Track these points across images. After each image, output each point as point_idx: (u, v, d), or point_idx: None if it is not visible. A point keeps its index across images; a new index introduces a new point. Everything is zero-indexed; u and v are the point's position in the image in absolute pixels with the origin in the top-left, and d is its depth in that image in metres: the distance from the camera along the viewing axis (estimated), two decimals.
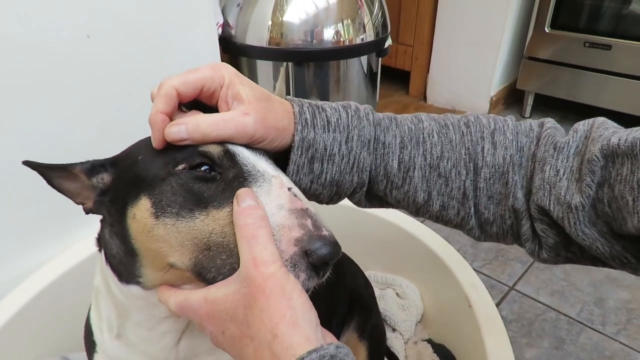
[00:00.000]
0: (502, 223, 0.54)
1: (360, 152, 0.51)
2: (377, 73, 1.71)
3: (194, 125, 0.45)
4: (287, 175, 0.49)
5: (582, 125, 0.51)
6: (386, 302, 1.13)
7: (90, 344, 0.63)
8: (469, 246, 1.54)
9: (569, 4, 2.04)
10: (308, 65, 1.50)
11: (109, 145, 1.02)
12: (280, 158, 0.51)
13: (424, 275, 1.15)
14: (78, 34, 0.90)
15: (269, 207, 0.42)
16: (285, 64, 1.48)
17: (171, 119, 0.46)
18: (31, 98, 0.87)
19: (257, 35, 1.45)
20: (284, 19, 1.43)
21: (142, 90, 1.05)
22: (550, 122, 0.53)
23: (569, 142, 0.49)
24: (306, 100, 0.53)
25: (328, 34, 1.45)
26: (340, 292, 0.93)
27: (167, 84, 0.45)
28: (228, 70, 0.48)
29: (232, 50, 1.51)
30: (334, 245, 0.41)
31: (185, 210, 0.43)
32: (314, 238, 0.40)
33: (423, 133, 0.53)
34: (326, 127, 0.50)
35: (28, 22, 0.83)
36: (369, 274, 1.15)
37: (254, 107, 0.46)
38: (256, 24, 1.44)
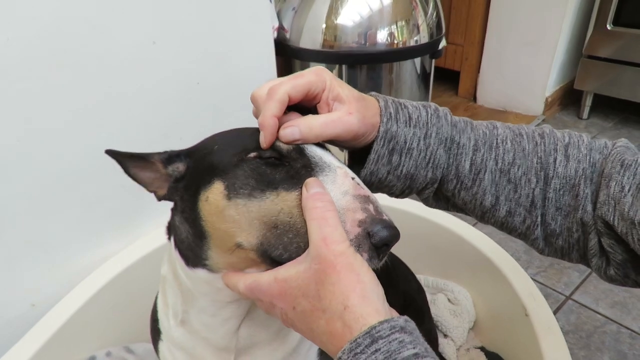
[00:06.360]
0: (568, 236, 0.54)
1: (437, 149, 0.53)
2: (430, 74, 1.69)
3: (306, 127, 0.48)
4: (367, 163, 0.53)
5: None
6: (437, 308, 1.11)
7: (155, 332, 0.66)
8: (522, 252, 1.50)
9: (634, 0, 1.94)
10: (361, 68, 1.50)
11: (170, 145, 1.06)
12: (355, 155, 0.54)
13: (476, 281, 1.12)
14: (145, 40, 0.95)
15: (334, 193, 0.45)
16: (337, 66, 1.48)
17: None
18: (100, 100, 0.92)
19: (311, 38, 1.47)
20: (338, 21, 1.44)
21: (202, 93, 1.09)
22: (623, 141, 0.54)
23: (637, 160, 0.50)
24: (389, 96, 0.55)
25: (382, 36, 1.44)
26: (393, 295, 0.93)
27: (281, 89, 0.48)
28: (328, 74, 0.51)
29: (287, 53, 1.53)
30: (394, 228, 0.44)
31: (257, 191, 0.46)
32: (376, 221, 0.43)
33: (497, 139, 0.55)
34: (408, 122, 0.53)
35: (101, 30, 0.88)
36: (419, 277, 1.14)
37: (355, 106, 0.50)
38: (311, 27, 1.46)
